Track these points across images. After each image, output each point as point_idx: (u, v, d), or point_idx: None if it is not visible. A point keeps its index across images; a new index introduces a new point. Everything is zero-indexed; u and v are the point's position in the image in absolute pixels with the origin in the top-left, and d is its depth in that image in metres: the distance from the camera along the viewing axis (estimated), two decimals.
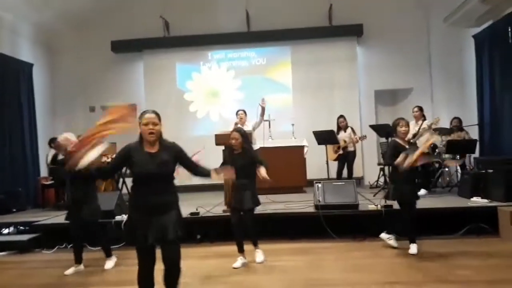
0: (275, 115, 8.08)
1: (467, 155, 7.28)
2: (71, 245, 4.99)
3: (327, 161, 7.54)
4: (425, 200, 6.32)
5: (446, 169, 7.89)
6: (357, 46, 10.02)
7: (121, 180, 7.18)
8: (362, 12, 9.74)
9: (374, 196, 6.69)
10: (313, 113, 9.67)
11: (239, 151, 4.49)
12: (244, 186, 4.43)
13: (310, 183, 6.59)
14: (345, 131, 7.96)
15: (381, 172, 8.03)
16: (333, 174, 7.81)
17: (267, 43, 10.04)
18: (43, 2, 8.61)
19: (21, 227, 6.13)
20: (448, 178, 7.85)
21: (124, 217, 5.54)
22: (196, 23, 10.02)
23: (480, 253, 4.57)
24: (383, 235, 4.97)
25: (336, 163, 7.99)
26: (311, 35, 9.85)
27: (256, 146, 6.47)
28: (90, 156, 3.00)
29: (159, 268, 2.98)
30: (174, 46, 10.19)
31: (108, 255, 4.75)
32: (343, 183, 5.89)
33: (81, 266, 4.65)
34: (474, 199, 5.85)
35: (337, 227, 5.37)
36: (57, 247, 5.64)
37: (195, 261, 4.81)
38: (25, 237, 5.77)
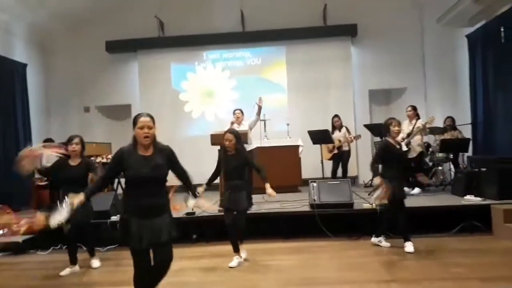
0: (270, 115, 8.10)
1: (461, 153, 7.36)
2: (65, 246, 4.98)
3: (322, 161, 7.58)
4: (419, 198, 6.39)
5: (440, 168, 7.96)
6: (352, 46, 10.06)
7: (116, 180, 7.17)
8: (356, 12, 9.79)
9: (368, 195, 6.71)
10: (308, 113, 9.70)
11: (233, 152, 4.51)
12: (238, 187, 4.48)
13: (305, 182, 6.62)
14: (339, 131, 7.99)
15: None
16: (328, 174, 7.84)
17: (262, 43, 10.05)
18: (37, 2, 8.56)
19: None
20: (441, 177, 7.91)
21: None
22: (191, 23, 10.02)
23: (474, 251, 4.62)
24: (373, 240, 5.03)
25: (331, 162, 8.03)
26: (305, 35, 9.87)
27: (253, 145, 6.49)
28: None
29: None
30: (169, 46, 10.17)
31: (93, 254, 4.76)
32: (338, 182, 5.92)
33: (77, 267, 4.64)
34: (468, 197, 5.90)
35: (332, 226, 5.40)
36: (52, 248, 5.60)
37: (191, 261, 4.81)
38: (19, 238, 5.73)
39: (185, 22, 10.06)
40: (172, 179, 3.10)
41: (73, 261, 4.62)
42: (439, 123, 7.78)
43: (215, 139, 5.72)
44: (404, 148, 6.86)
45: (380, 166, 4.83)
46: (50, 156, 3.53)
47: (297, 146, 8.10)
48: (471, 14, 7.26)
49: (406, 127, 7.15)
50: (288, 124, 8.44)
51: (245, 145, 6.01)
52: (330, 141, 7.71)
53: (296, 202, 6.25)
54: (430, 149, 7.90)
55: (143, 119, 2.91)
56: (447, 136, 7.50)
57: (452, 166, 7.72)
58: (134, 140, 2.93)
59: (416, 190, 6.92)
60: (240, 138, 4.63)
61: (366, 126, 8.24)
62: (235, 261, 4.50)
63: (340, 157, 7.93)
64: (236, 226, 4.48)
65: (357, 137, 7.99)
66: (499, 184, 5.56)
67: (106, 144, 9.46)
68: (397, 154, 4.86)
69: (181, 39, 10.04)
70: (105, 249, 5.40)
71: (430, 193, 7.00)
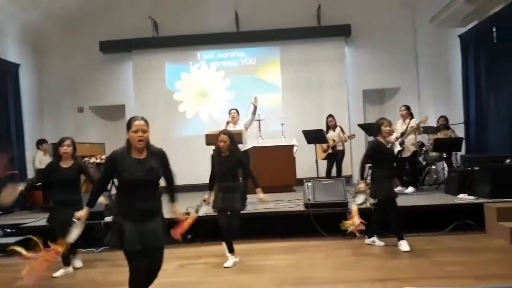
0: (265, 115, 8.11)
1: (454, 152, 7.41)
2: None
3: (316, 160, 7.60)
4: (413, 197, 6.43)
5: (433, 167, 8.02)
6: (345, 46, 10.09)
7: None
8: (350, 13, 9.82)
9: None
10: (302, 113, 9.73)
11: (226, 153, 4.52)
12: (232, 188, 4.51)
13: (300, 182, 6.63)
14: (334, 130, 8.01)
15: (370, 171, 8.09)
16: (323, 173, 7.86)
17: (256, 43, 10.06)
18: (30, 2, 8.50)
19: (8, 230, 6.02)
20: (435, 176, 7.97)
21: None
22: (185, 23, 10.00)
23: (468, 249, 4.66)
24: (367, 241, 5.06)
25: (325, 162, 8.05)
26: (300, 35, 9.89)
27: (248, 145, 6.50)
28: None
29: None
30: (163, 46, 10.15)
31: (75, 252, 4.73)
32: (333, 181, 5.95)
33: (70, 268, 4.61)
34: (461, 196, 5.93)
35: (327, 225, 5.41)
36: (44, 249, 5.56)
37: (186, 261, 4.81)
38: (12, 240, 5.67)
39: (179, 22, 10.03)
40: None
41: (66, 262, 4.58)
42: (432, 122, 7.83)
43: (210, 139, 5.72)
44: (398, 148, 6.91)
45: (368, 167, 4.91)
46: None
47: (292, 146, 8.12)
48: (464, 14, 7.32)
49: (400, 126, 7.20)
50: (282, 124, 8.45)
51: (241, 145, 6.03)
52: (325, 140, 7.73)
53: (291, 202, 6.25)
54: (424, 148, 7.95)
55: (138, 123, 2.89)
56: (440, 135, 7.55)
57: (445, 165, 7.77)
58: (128, 143, 2.92)
59: (410, 189, 6.96)
60: (234, 139, 4.64)
61: (360, 125, 8.27)
62: (230, 261, 4.50)
63: (335, 157, 7.95)
64: (231, 227, 4.49)
65: (351, 136, 8.01)
66: (492, 183, 5.61)
67: (100, 145, 9.40)
68: (388, 154, 4.94)
69: (175, 39, 10.02)
70: (99, 250, 5.37)
71: (424, 192, 7.04)
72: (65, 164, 4.55)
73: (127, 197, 2.86)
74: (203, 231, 5.59)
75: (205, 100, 10.22)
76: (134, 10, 9.94)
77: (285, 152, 8.05)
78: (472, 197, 5.79)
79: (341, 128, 8.12)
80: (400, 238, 4.77)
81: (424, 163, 8.11)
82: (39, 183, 5.80)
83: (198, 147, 7.18)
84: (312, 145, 7.65)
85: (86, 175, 4.71)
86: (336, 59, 9.99)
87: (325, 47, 9.96)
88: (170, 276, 4.19)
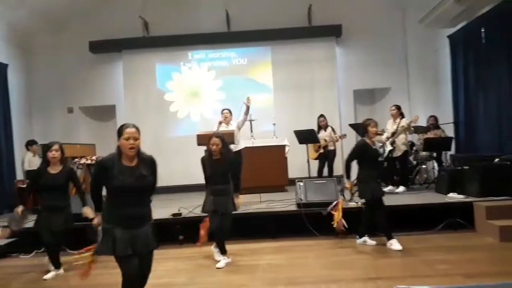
0: (256, 115, 8.10)
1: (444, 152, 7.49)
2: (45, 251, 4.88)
3: (308, 160, 7.61)
4: (404, 197, 6.48)
5: (424, 166, 8.09)
6: (336, 47, 10.13)
7: None
8: (341, 13, 9.86)
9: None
10: (294, 113, 9.75)
11: (218, 156, 4.51)
12: (224, 191, 4.53)
13: (292, 182, 6.64)
14: (325, 130, 8.04)
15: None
16: (314, 173, 7.89)
17: (248, 43, 10.05)
18: (18, 1, 8.38)
19: None
20: (425, 175, 8.03)
21: None
22: (175, 23, 9.96)
23: (458, 248, 4.71)
24: (358, 241, 5.09)
25: (317, 161, 8.07)
26: (291, 35, 9.91)
27: (241, 145, 6.50)
28: None
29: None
30: (154, 46, 10.09)
31: (58, 266, 4.60)
32: (324, 181, 5.96)
33: (61, 270, 4.57)
34: (451, 195, 5.99)
35: (319, 225, 5.43)
36: (35, 251, 5.51)
37: (178, 262, 4.79)
38: (1, 242, 5.61)
39: (170, 22, 9.99)
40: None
41: (56, 265, 4.55)
42: (422, 122, 7.90)
43: (202, 139, 5.70)
44: (389, 147, 6.97)
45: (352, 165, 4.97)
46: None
47: (284, 146, 8.12)
48: (453, 15, 7.39)
49: (391, 126, 7.24)
50: (274, 124, 8.46)
51: (233, 146, 6.03)
52: (316, 140, 7.76)
53: (282, 202, 6.26)
54: (414, 148, 8.02)
55: (129, 130, 2.88)
56: (430, 135, 7.63)
57: (435, 165, 7.84)
58: (118, 150, 2.90)
59: (401, 188, 7.02)
60: (226, 143, 4.65)
61: (351, 125, 8.31)
62: (222, 262, 4.50)
63: (326, 157, 7.98)
64: (223, 228, 4.51)
65: (343, 136, 8.06)
66: (481, 182, 5.67)
67: (90, 145, 9.34)
68: (374, 154, 4.99)
69: (166, 39, 9.97)
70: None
71: (414, 191, 7.09)
72: (54, 169, 4.51)
73: (117, 204, 2.85)
74: (194, 232, 5.57)
75: (197, 100, 10.18)
76: (124, 9, 9.88)
77: (277, 152, 8.06)
78: (462, 196, 5.85)
79: (332, 128, 8.16)
80: (390, 237, 4.81)
81: (414, 162, 8.18)
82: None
83: (190, 147, 7.15)
84: (304, 145, 7.67)
85: (74, 181, 4.67)
86: (327, 59, 10.03)
87: (316, 47, 9.99)
88: (161, 277, 4.18)
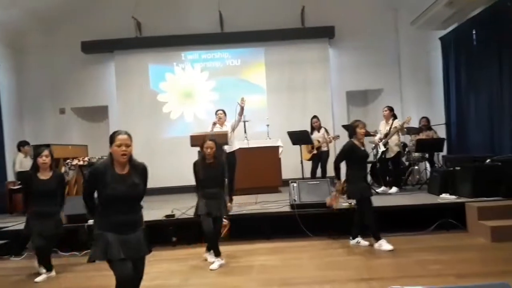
0: (250, 116, 8.10)
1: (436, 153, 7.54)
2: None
3: (301, 161, 7.62)
4: (397, 197, 6.51)
5: (416, 167, 8.14)
6: (329, 48, 10.18)
7: None
8: (334, 15, 9.90)
9: (347, 194, 6.79)
10: (287, 114, 9.76)
11: (211, 160, 4.52)
12: (216, 194, 4.55)
13: (285, 183, 6.65)
14: (318, 131, 8.05)
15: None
16: (308, 174, 7.89)
17: (241, 44, 10.05)
18: (9, 1, 8.30)
19: None
20: (418, 176, 8.09)
21: None
22: (168, 23, 9.93)
23: (450, 248, 4.73)
24: (352, 242, 5.11)
25: (310, 162, 8.09)
26: (284, 36, 9.93)
27: (235, 146, 6.48)
28: None
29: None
30: (147, 46, 10.05)
31: (50, 269, 4.55)
32: (318, 182, 5.97)
33: (53, 273, 4.53)
34: (443, 195, 6.03)
35: (312, 226, 5.45)
36: (26, 253, 5.45)
37: (172, 263, 4.77)
38: None
39: (163, 23, 9.96)
40: None
41: (48, 268, 4.51)
42: (414, 123, 7.95)
43: (195, 140, 5.68)
44: (382, 148, 7.00)
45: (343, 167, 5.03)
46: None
47: (277, 147, 8.14)
48: (444, 17, 7.45)
49: (383, 127, 7.28)
50: (268, 125, 8.46)
51: (227, 147, 6.02)
52: (309, 141, 7.77)
53: (276, 203, 6.26)
54: (407, 149, 8.06)
55: (121, 137, 2.85)
56: (422, 136, 7.67)
57: (428, 166, 7.90)
58: (110, 157, 2.88)
59: (394, 189, 7.05)
60: (220, 147, 4.66)
61: (344, 126, 8.32)
62: (216, 263, 4.48)
63: (319, 158, 7.99)
64: (216, 231, 4.54)
65: (336, 137, 8.07)
66: (473, 182, 5.71)
67: (83, 146, 9.27)
68: (362, 155, 5.02)
69: (159, 40, 9.94)
70: (82, 254, 5.28)
71: (407, 192, 7.12)
72: (44, 175, 4.48)
73: (108, 211, 2.82)
74: (189, 234, 5.56)
75: (190, 101, 10.16)
76: (117, 9, 9.82)
77: (271, 153, 8.07)
78: (454, 197, 5.89)
79: (325, 129, 8.18)
80: (378, 238, 4.82)
81: (407, 163, 8.22)
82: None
83: (183, 148, 7.12)
84: (297, 146, 7.68)
85: (61, 189, 4.63)
86: (320, 61, 10.07)
87: (309, 48, 10.02)
88: (155, 279, 4.16)
